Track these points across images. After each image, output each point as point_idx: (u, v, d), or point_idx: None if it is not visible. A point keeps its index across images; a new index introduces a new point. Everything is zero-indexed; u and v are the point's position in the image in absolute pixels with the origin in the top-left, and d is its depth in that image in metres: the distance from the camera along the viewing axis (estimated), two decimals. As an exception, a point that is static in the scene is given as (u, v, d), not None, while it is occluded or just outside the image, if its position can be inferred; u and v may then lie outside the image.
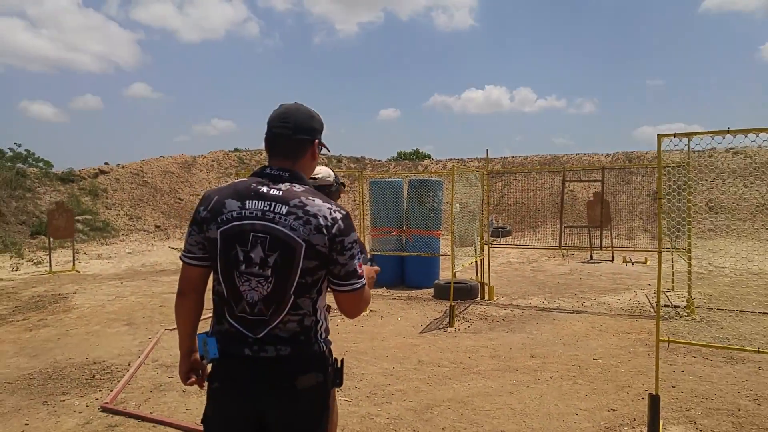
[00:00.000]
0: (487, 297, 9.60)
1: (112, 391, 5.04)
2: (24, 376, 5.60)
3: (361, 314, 7.63)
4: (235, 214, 1.82)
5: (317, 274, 1.84)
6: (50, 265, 13.54)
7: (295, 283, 1.80)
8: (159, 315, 8.39)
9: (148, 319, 8.16)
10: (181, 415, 4.52)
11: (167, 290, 10.55)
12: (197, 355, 2.00)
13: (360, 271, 1.91)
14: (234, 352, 1.83)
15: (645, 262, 13.76)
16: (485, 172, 10.51)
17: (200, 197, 1.96)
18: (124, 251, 17.58)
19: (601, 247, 13.72)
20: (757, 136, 3.96)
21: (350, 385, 5.18)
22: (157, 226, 21.29)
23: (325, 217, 1.81)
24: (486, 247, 10.27)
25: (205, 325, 1.90)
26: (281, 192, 1.84)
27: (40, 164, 35.86)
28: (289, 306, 1.81)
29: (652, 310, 8.39)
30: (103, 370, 5.79)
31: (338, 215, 1.84)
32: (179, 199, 23.66)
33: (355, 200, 22.95)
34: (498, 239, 18.81)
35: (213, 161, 27.44)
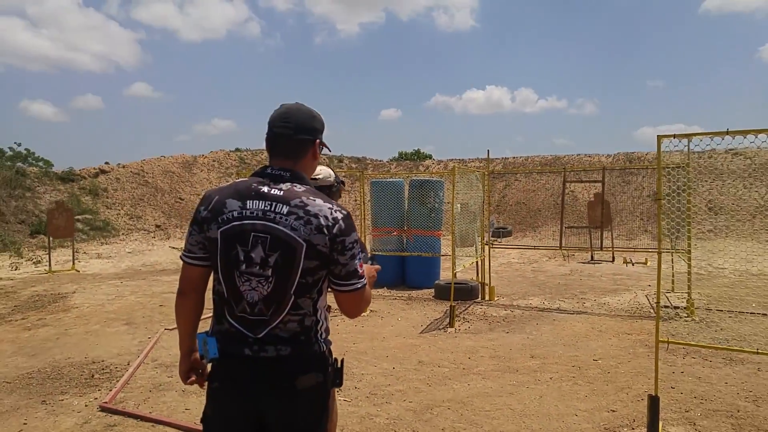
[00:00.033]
0: (487, 297, 9.60)
1: (111, 390, 5.03)
2: (23, 375, 5.60)
3: (362, 314, 7.65)
4: (235, 213, 1.82)
5: (318, 274, 1.84)
6: (50, 265, 13.53)
7: (295, 283, 1.80)
8: (159, 315, 8.39)
9: (147, 318, 8.16)
10: (180, 415, 4.52)
11: (167, 290, 10.55)
12: (197, 355, 2.00)
13: (361, 271, 1.91)
14: (234, 351, 1.83)
15: (645, 263, 13.75)
16: (486, 173, 10.51)
17: (201, 197, 1.95)
18: (124, 251, 17.58)
19: (601, 248, 13.70)
20: (756, 137, 3.96)
21: (350, 385, 5.18)
22: (157, 226, 21.29)
23: (326, 217, 1.80)
24: (486, 247, 10.27)
25: (205, 325, 1.90)
26: (282, 192, 1.84)
27: (40, 163, 35.87)
28: (289, 306, 1.81)
29: (652, 311, 8.39)
30: (102, 369, 5.79)
31: (339, 215, 1.84)
32: (180, 198, 23.66)
33: (356, 200, 22.96)
34: (499, 240, 18.81)
35: (214, 161, 27.43)
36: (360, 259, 1.91)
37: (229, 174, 26.12)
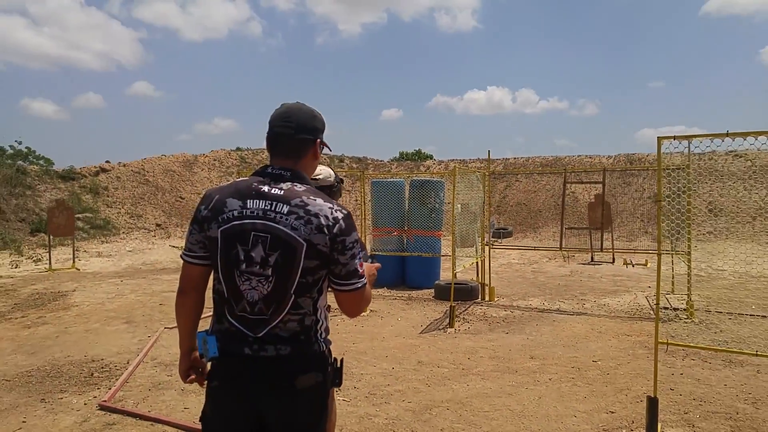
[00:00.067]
0: (487, 298, 9.60)
1: (110, 389, 5.04)
2: (22, 373, 5.60)
3: (362, 314, 7.65)
4: (236, 213, 1.82)
5: (318, 274, 1.84)
6: (50, 263, 13.54)
7: (295, 283, 1.80)
8: (159, 313, 8.40)
9: (147, 317, 8.16)
10: (179, 414, 4.52)
11: (167, 289, 10.55)
12: (197, 354, 2.00)
13: (361, 271, 1.91)
14: (234, 350, 1.83)
15: (645, 265, 13.75)
16: (487, 173, 10.51)
17: (201, 196, 1.96)
18: (124, 249, 17.59)
19: (601, 249, 13.69)
20: (756, 139, 3.97)
21: (349, 385, 5.18)
22: (157, 225, 21.29)
23: (327, 217, 1.81)
24: (487, 248, 10.27)
25: (205, 324, 1.90)
26: (282, 191, 1.84)
27: (41, 162, 35.90)
28: (289, 305, 1.81)
29: (652, 312, 8.39)
30: (102, 368, 5.79)
31: (339, 215, 1.84)
32: (180, 197, 23.67)
33: (356, 200, 22.97)
34: (499, 240, 18.80)
35: (215, 160, 27.45)
36: (360, 258, 1.91)
37: (230, 173, 26.13)
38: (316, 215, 1.80)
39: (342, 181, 2.82)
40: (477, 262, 9.91)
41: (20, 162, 28.08)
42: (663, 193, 4.89)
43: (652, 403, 4.06)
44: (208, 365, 1.95)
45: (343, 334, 7.06)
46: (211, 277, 1.93)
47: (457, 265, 8.33)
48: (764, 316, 7.89)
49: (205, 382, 1.96)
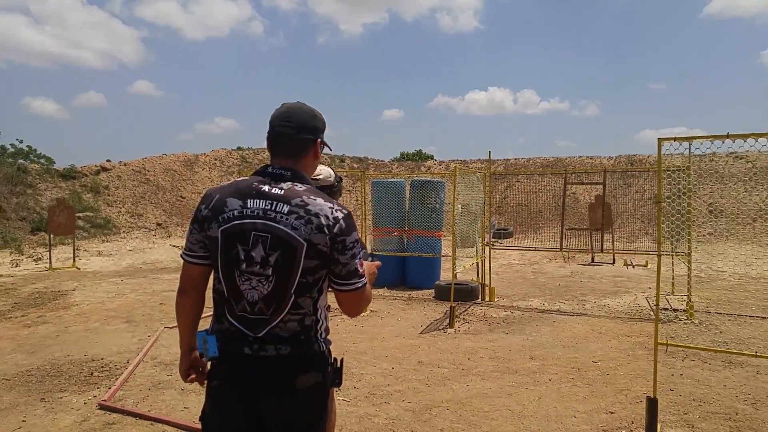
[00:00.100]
0: (487, 298, 9.60)
1: (110, 388, 5.04)
2: (22, 372, 5.60)
3: (362, 314, 7.65)
4: (236, 212, 1.82)
5: (318, 274, 1.84)
6: (50, 262, 13.55)
7: (296, 283, 1.80)
8: (159, 313, 8.40)
9: (147, 316, 8.16)
10: (179, 414, 4.53)
11: (168, 288, 10.56)
12: (197, 353, 2.00)
13: (361, 271, 1.91)
14: (234, 350, 1.83)
15: (646, 265, 13.76)
16: (487, 174, 10.51)
17: (202, 195, 1.96)
18: (125, 248, 17.59)
19: (602, 250, 13.69)
20: (756, 140, 3.97)
21: (349, 385, 5.18)
22: (158, 224, 21.30)
23: (327, 217, 1.81)
24: (487, 248, 10.27)
25: (205, 324, 1.90)
26: (283, 191, 1.84)
27: (42, 161, 35.95)
28: (289, 305, 1.81)
29: (652, 313, 8.39)
30: (102, 367, 5.79)
31: (340, 215, 1.84)
32: (181, 197, 23.68)
33: (357, 200, 22.97)
34: (500, 241, 18.81)
35: (215, 159, 27.46)
36: (360, 257, 1.92)
37: (231, 173, 26.14)
38: (317, 215, 1.80)
39: (341, 180, 2.82)
40: (477, 263, 9.91)
41: (21, 161, 28.11)
42: (663, 195, 4.89)
43: (652, 404, 4.06)
44: (208, 365, 1.95)
45: (343, 334, 7.06)
46: (212, 276, 1.93)
47: (458, 265, 8.33)
48: (764, 318, 7.89)
49: (205, 382, 1.97)
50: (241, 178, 1.94)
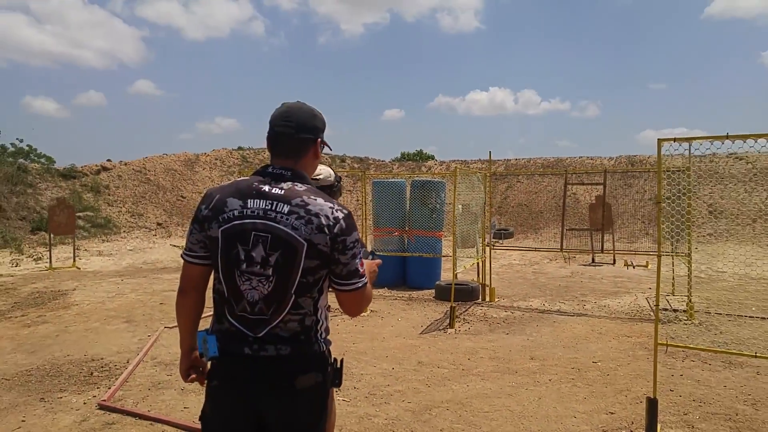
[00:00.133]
0: (488, 299, 9.60)
1: (109, 388, 5.04)
2: (22, 372, 5.60)
3: (362, 314, 7.63)
4: (236, 212, 1.82)
5: (318, 274, 1.84)
6: (50, 262, 13.55)
7: (296, 283, 1.80)
8: (159, 313, 8.40)
9: (147, 316, 8.16)
10: (179, 414, 4.52)
11: (168, 288, 10.56)
12: (198, 353, 2.00)
13: (362, 270, 1.91)
14: (234, 350, 1.83)
15: (646, 266, 13.75)
16: (488, 174, 10.51)
17: (202, 195, 1.96)
18: (125, 248, 17.59)
19: (602, 250, 13.70)
20: (756, 141, 3.97)
21: (349, 386, 5.18)
22: (158, 224, 21.30)
23: (327, 217, 1.81)
24: (487, 248, 10.26)
25: (205, 324, 1.90)
26: (283, 191, 1.84)
27: (42, 160, 35.96)
28: (290, 305, 1.81)
29: (652, 313, 8.38)
30: (102, 367, 5.79)
31: (340, 214, 1.84)
32: (182, 196, 23.68)
33: (358, 200, 22.97)
34: (500, 241, 18.80)
35: (216, 159, 27.46)
36: (360, 257, 1.91)
37: (231, 172, 26.14)
38: (317, 215, 1.80)
39: (341, 180, 2.82)
40: (478, 263, 9.91)
41: (21, 160, 28.12)
42: (663, 195, 4.89)
43: (652, 404, 4.06)
44: (209, 365, 1.95)
45: (344, 334, 7.06)
46: (212, 276, 1.93)
47: (458, 265, 8.33)
48: (764, 318, 7.88)
49: (205, 382, 1.96)
50: (242, 178, 1.94)
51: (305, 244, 1.78)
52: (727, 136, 3.98)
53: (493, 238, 14.71)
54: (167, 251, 17.25)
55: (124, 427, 4.27)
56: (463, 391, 5.09)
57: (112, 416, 4.47)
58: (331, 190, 2.63)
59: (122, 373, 5.49)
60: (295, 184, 1.87)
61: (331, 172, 2.73)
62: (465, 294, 9.29)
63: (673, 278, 9.58)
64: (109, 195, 21.83)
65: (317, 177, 2.57)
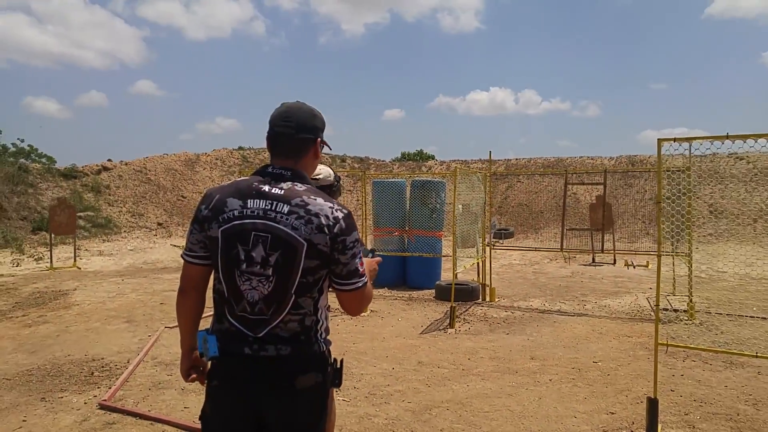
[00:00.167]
0: (488, 298, 9.60)
1: (110, 388, 5.04)
2: (22, 372, 5.61)
3: (362, 314, 7.63)
4: (236, 212, 1.82)
5: (318, 274, 1.84)
6: (51, 262, 13.55)
7: (296, 283, 1.80)
8: (159, 312, 8.40)
9: (148, 316, 8.17)
10: (179, 413, 4.53)
11: (168, 288, 10.56)
12: (198, 353, 2.00)
13: (362, 270, 1.91)
14: (234, 350, 1.83)
15: (647, 266, 13.74)
16: (488, 174, 10.51)
17: (202, 195, 1.96)
18: (125, 248, 17.60)
19: (602, 250, 13.69)
20: (756, 141, 3.97)
21: (349, 386, 5.18)
22: (159, 224, 21.31)
23: (327, 217, 1.81)
24: (488, 248, 10.26)
25: (206, 323, 1.90)
26: (283, 191, 1.84)
27: (43, 160, 35.97)
28: (290, 305, 1.81)
29: (652, 313, 8.38)
30: (102, 367, 5.80)
31: (340, 214, 1.84)
32: (182, 196, 23.69)
33: (358, 200, 22.96)
34: (500, 241, 18.79)
35: (217, 159, 27.46)
36: (360, 256, 1.91)
37: (232, 172, 26.15)
38: (317, 215, 1.80)
39: (340, 179, 2.82)
40: (478, 263, 9.90)
41: (22, 160, 28.13)
42: (664, 195, 4.89)
43: (653, 404, 4.06)
44: (209, 364, 1.95)
45: (344, 334, 7.06)
46: (212, 276, 1.93)
47: (458, 265, 8.33)
48: (765, 318, 7.88)
49: (206, 381, 1.97)
50: (241, 178, 1.94)
51: (305, 244, 1.78)
52: (727, 136, 3.98)
53: (494, 238, 14.70)
54: (168, 251, 17.25)
55: (125, 427, 4.27)
56: (463, 391, 5.09)
57: (112, 416, 4.47)
58: (330, 189, 2.63)
59: (123, 372, 5.49)
60: (295, 184, 1.88)
61: (331, 172, 2.74)
62: (465, 294, 9.29)
63: (674, 278, 9.58)
64: (109, 195, 21.84)
65: (317, 177, 2.58)
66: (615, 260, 14.94)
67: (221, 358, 1.84)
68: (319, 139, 2.00)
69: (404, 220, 11.48)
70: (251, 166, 25.84)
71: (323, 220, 1.80)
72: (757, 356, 4.26)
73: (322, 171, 2.66)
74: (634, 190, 22.67)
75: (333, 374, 1.94)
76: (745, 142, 4.01)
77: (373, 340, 6.90)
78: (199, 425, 1.97)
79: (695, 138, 4.22)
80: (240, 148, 30.85)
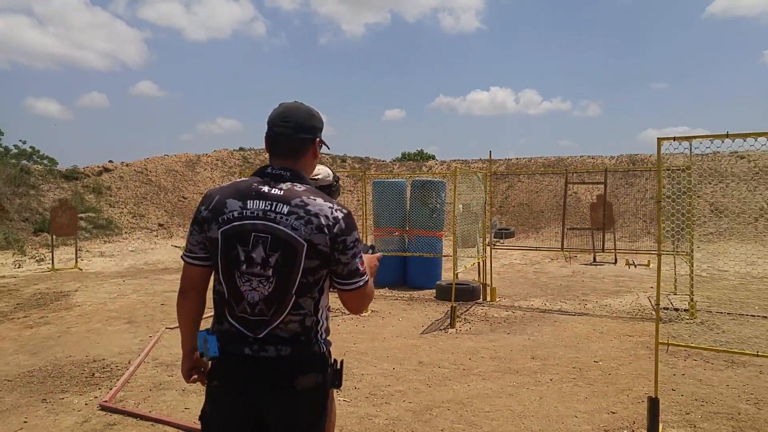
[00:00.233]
0: (488, 298, 9.60)
1: (111, 389, 5.04)
2: (24, 373, 5.61)
3: (363, 314, 7.62)
4: (236, 213, 1.82)
5: (319, 274, 1.84)
6: (53, 263, 13.57)
7: (296, 283, 1.80)
8: (160, 313, 8.41)
9: (149, 317, 8.17)
10: (179, 414, 4.53)
11: (169, 289, 10.56)
12: (199, 353, 2.00)
13: (362, 269, 1.91)
14: (234, 351, 1.83)
15: (648, 265, 13.73)
16: (488, 174, 10.50)
17: (202, 196, 1.96)
18: (126, 249, 17.61)
19: (603, 250, 13.69)
20: (756, 140, 3.96)
21: (350, 386, 5.18)
22: (160, 225, 21.32)
23: (327, 217, 1.81)
24: (488, 248, 10.26)
25: (206, 324, 1.90)
26: (282, 192, 1.84)
27: (45, 161, 35.91)
28: (290, 306, 1.81)
29: (653, 312, 8.37)
30: (103, 368, 5.80)
31: (339, 214, 1.84)
32: (183, 197, 23.70)
33: (358, 200, 22.96)
34: (501, 241, 18.79)
35: (217, 160, 27.48)
36: (361, 255, 1.91)
37: (233, 173, 26.16)
38: (317, 215, 1.80)
39: (339, 179, 2.83)
40: (478, 263, 9.90)
41: (24, 161, 28.12)
42: (665, 194, 4.88)
43: (653, 404, 4.05)
44: (209, 364, 1.95)
45: (344, 335, 7.07)
46: (212, 277, 1.93)
47: (459, 265, 8.33)
48: (766, 317, 7.87)
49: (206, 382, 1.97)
50: (241, 179, 1.94)
51: (305, 245, 1.78)
52: (727, 135, 3.97)
53: (494, 237, 14.70)
54: (168, 252, 17.26)
55: (126, 428, 4.27)
56: (464, 391, 5.09)
57: (113, 417, 4.47)
58: (329, 189, 2.63)
59: (124, 374, 5.49)
60: (295, 184, 1.88)
61: (330, 172, 2.74)
62: (466, 294, 9.29)
63: (675, 277, 9.57)
64: (110, 196, 21.85)
65: (315, 177, 2.58)
66: (616, 259, 14.94)
67: (221, 359, 1.84)
68: (317, 139, 2.00)
69: (405, 220, 11.49)
70: (252, 167, 25.85)
71: (323, 221, 1.80)
72: (758, 355, 4.25)
73: (321, 171, 2.66)
74: (635, 189, 22.66)
75: (333, 375, 1.94)
76: (745, 140, 4.01)
77: (373, 340, 6.90)
78: (200, 426, 1.97)
79: (695, 137, 4.21)
80: (241, 148, 30.86)
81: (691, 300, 7.98)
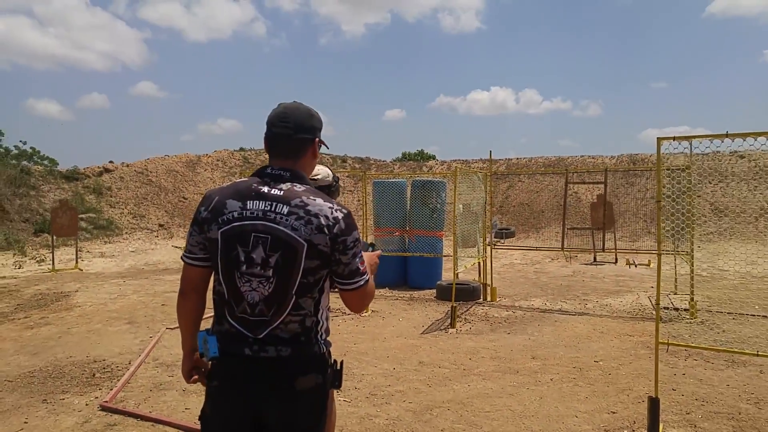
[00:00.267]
0: (489, 298, 9.59)
1: (111, 389, 5.05)
2: (24, 374, 5.62)
3: (363, 314, 7.62)
4: (236, 214, 1.82)
5: (319, 274, 1.84)
6: (53, 263, 13.57)
7: (296, 284, 1.80)
8: (161, 314, 8.41)
9: (149, 317, 8.17)
10: (180, 415, 4.53)
11: (169, 289, 10.57)
12: (199, 353, 2.00)
13: (362, 269, 1.91)
14: (234, 351, 1.83)
15: (648, 265, 13.71)
16: (489, 174, 10.50)
17: (202, 197, 1.96)
18: (127, 250, 17.62)
19: (604, 249, 13.69)
20: (755, 140, 3.96)
21: (350, 386, 5.18)
22: (160, 225, 21.33)
23: (327, 217, 1.81)
24: (488, 248, 10.25)
25: (207, 324, 1.90)
26: (282, 192, 1.84)
27: (45, 162, 35.92)
28: (290, 306, 1.81)
29: (654, 312, 8.37)
30: (104, 368, 5.80)
31: (339, 215, 1.84)
32: (183, 198, 23.70)
33: (358, 200, 22.96)
34: (501, 240, 18.78)
35: (218, 160, 27.48)
36: (361, 255, 1.92)
37: (233, 173, 26.16)
38: (317, 215, 1.80)
39: (338, 179, 2.83)
40: (479, 263, 9.90)
41: (24, 162, 28.13)
42: (665, 194, 4.88)
43: (654, 404, 4.05)
44: (210, 365, 1.95)
45: (345, 335, 7.07)
46: (212, 278, 1.93)
47: (459, 265, 8.33)
48: (766, 317, 7.87)
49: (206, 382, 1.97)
50: (241, 180, 1.94)
51: (305, 245, 1.78)
52: (727, 135, 3.98)
53: (495, 237, 14.70)
54: (169, 252, 17.27)
55: (126, 429, 4.28)
56: (464, 391, 5.09)
57: (114, 417, 4.48)
58: (329, 189, 2.63)
59: (124, 374, 5.50)
60: (294, 184, 1.88)
61: (329, 172, 2.74)
62: (466, 294, 9.29)
63: (676, 277, 9.56)
64: (111, 197, 21.86)
65: (315, 177, 2.58)
66: (616, 259, 14.93)
67: (221, 359, 1.85)
68: (317, 139, 2.00)
69: (405, 220, 11.49)
70: (252, 167, 25.83)
71: (323, 221, 1.80)
72: (758, 355, 4.25)
73: (321, 171, 2.66)
74: (635, 188, 22.64)
75: (333, 375, 1.94)
76: (745, 140, 4.01)
77: (374, 341, 6.90)
78: (200, 426, 1.97)
79: (695, 136, 4.21)
80: (241, 149, 30.87)
81: (692, 300, 7.97)
